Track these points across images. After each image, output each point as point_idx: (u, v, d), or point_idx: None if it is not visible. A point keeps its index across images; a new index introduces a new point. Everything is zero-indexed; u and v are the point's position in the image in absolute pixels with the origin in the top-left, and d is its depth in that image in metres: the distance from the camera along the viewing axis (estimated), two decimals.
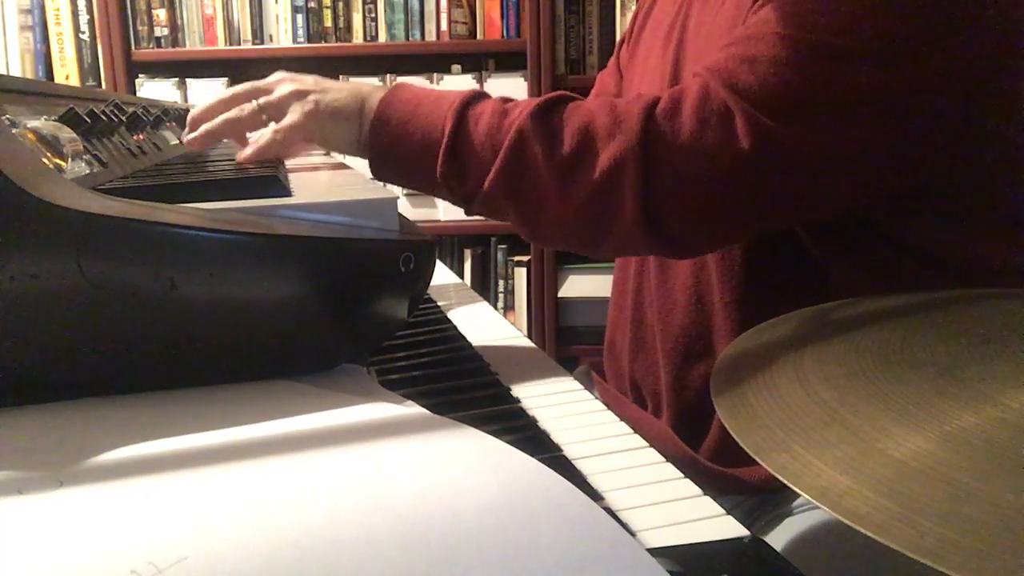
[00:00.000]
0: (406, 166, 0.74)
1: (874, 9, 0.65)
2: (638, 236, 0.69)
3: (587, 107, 0.70)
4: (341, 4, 2.19)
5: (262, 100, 0.77)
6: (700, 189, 0.67)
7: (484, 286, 2.33)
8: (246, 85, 0.79)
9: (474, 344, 0.72)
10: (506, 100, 0.74)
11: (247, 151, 0.77)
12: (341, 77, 2.14)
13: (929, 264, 0.75)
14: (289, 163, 0.87)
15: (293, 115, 0.75)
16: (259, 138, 0.76)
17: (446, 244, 2.33)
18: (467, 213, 0.76)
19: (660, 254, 0.80)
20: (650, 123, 0.67)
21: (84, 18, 2.23)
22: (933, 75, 0.66)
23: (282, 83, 0.78)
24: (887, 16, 0.65)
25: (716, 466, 0.80)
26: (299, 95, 0.76)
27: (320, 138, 0.76)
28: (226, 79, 2.24)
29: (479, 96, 0.74)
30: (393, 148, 0.73)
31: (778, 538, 0.73)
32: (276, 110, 0.76)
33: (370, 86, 0.77)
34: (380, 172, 0.76)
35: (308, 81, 0.78)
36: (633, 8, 2.16)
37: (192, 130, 0.79)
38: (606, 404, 0.58)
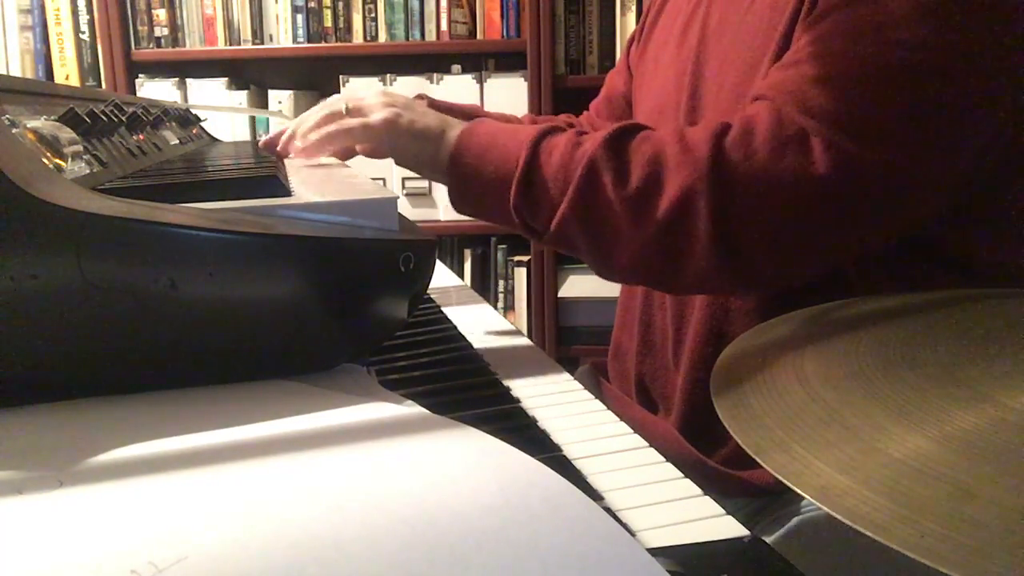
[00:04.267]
0: (482, 197, 0.75)
1: (942, 22, 0.63)
2: (713, 270, 0.67)
3: (657, 136, 0.69)
4: (341, 4, 2.19)
5: (351, 104, 0.80)
6: (779, 218, 0.65)
7: (484, 286, 2.33)
8: (339, 97, 0.83)
9: (474, 344, 0.72)
10: (581, 132, 0.74)
11: (312, 136, 0.79)
12: (341, 77, 2.14)
13: (958, 271, 0.73)
14: (289, 163, 0.87)
15: (373, 117, 0.77)
16: (329, 127, 0.79)
17: (446, 244, 2.33)
18: (541, 246, 0.77)
19: (738, 291, 0.77)
20: (719, 153, 0.65)
21: (84, 18, 2.23)
22: (1004, 86, 0.65)
23: (375, 94, 0.81)
24: (955, 28, 0.63)
25: (725, 469, 0.79)
26: (386, 105, 0.78)
27: (392, 150, 0.78)
28: (226, 79, 2.24)
29: (555, 129, 0.74)
30: (470, 179, 0.74)
31: (779, 538, 0.73)
32: (360, 113, 0.79)
33: (455, 119, 0.79)
34: (459, 204, 0.77)
35: (399, 99, 0.80)
36: (634, 8, 2.16)
37: (292, 144, 0.84)
38: (609, 405, 0.58)
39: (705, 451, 0.81)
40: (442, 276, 1.10)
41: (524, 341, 0.76)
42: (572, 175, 0.69)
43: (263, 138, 0.94)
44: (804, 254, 0.69)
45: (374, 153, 0.82)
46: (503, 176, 0.72)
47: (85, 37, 2.23)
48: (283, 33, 2.21)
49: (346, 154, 0.88)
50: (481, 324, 0.81)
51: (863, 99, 0.63)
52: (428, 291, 0.73)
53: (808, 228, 0.66)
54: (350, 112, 0.80)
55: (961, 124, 0.65)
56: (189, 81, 2.24)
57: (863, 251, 0.72)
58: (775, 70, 0.69)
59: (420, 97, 0.96)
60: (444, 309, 0.87)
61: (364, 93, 0.82)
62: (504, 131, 0.75)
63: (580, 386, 0.62)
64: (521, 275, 2.28)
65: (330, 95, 0.90)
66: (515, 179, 0.71)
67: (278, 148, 0.89)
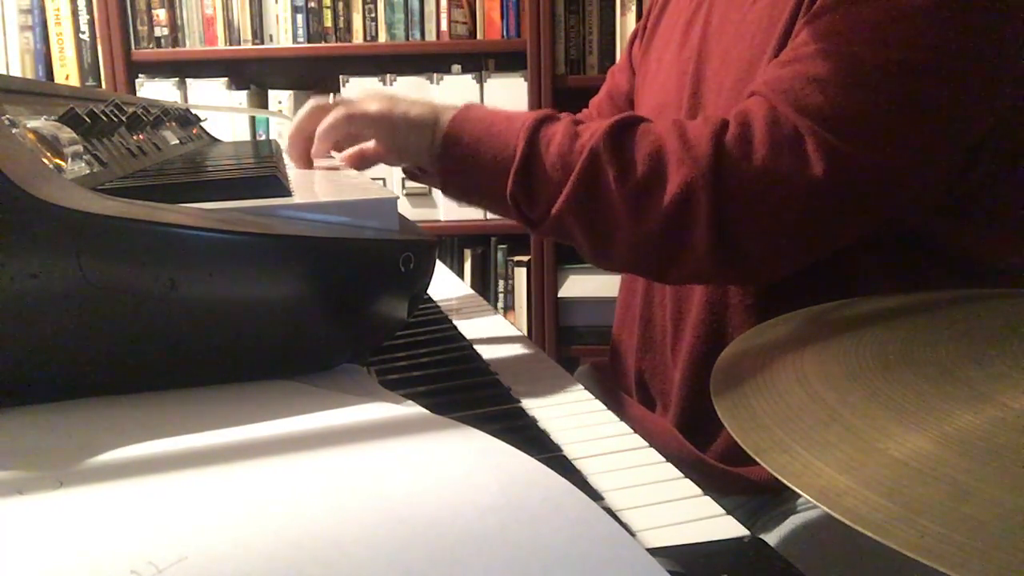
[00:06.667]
0: (477, 185, 0.75)
1: (935, 22, 0.64)
2: (710, 264, 0.68)
3: (658, 130, 0.70)
4: (341, 4, 2.19)
5: (338, 101, 0.80)
6: (775, 216, 0.66)
7: (484, 286, 2.33)
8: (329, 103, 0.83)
9: (474, 344, 0.72)
10: (577, 122, 0.74)
11: (318, 132, 0.79)
12: (341, 77, 2.14)
13: (958, 271, 0.74)
14: (289, 163, 0.87)
15: (369, 107, 0.77)
16: (327, 119, 0.78)
17: (446, 244, 2.33)
18: (534, 234, 0.77)
19: (732, 282, 0.79)
20: (720, 150, 0.66)
21: (84, 18, 2.23)
22: (996, 84, 0.65)
23: (364, 92, 0.82)
24: (949, 28, 0.64)
25: (722, 465, 0.79)
26: (379, 99, 0.78)
27: (390, 140, 0.78)
28: (226, 79, 2.24)
29: (551, 117, 0.74)
30: (464, 166, 0.74)
31: (779, 537, 0.73)
32: (354, 107, 0.79)
33: (444, 104, 0.78)
34: (450, 189, 0.77)
35: (387, 94, 0.81)
36: (633, 8, 2.16)
37: (292, 147, 0.83)
38: (609, 403, 0.58)
39: (701, 447, 0.81)
40: (442, 277, 1.10)
41: (524, 341, 0.76)
42: (572, 166, 0.69)
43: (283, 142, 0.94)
44: (798, 249, 0.70)
45: (372, 145, 0.83)
46: (500, 164, 0.72)
47: (85, 37, 2.23)
48: (283, 33, 2.21)
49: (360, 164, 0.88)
50: (481, 324, 0.81)
51: (856, 99, 0.64)
52: (428, 292, 0.73)
53: (803, 225, 0.67)
54: (342, 107, 0.80)
55: (955, 124, 0.65)
56: (189, 81, 2.24)
57: (853, 241, 0.73)
58: (772, 66, 0.70)
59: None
60: (445, 310, 0.87)
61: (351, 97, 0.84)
62: (498, 118, 0.75)
63: (580, 386, 0.62)
64: (521, 275, 2.28)
65: (330, 95, 0.90)
66: (513, 168, 0.71)
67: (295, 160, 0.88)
